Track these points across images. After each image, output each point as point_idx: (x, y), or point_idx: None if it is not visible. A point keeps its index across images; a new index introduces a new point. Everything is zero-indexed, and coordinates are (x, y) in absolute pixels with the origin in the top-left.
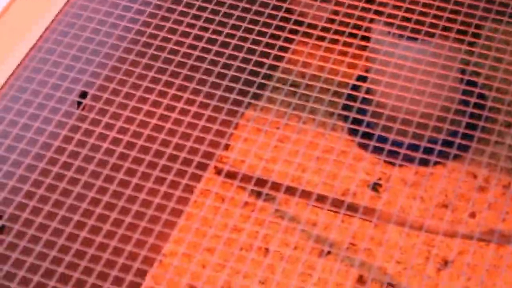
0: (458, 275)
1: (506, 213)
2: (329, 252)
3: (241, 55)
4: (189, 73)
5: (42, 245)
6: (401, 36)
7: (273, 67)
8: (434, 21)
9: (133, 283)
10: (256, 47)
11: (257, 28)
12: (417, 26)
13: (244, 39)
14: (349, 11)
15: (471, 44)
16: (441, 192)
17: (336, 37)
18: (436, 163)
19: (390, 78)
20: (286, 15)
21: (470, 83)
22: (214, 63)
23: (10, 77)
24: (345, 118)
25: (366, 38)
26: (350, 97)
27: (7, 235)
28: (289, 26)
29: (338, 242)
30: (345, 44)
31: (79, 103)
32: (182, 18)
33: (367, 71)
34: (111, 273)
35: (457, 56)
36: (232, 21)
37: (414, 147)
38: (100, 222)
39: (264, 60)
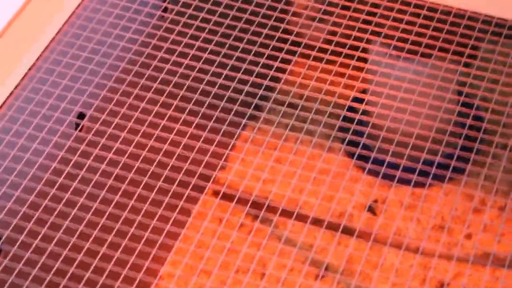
0: None
1: (502, 235)
2: (325, 275)
3: (239, 75)
4: (187, 93)
5: (39, 268)
6: (398, 57)
7: (270, 88)
8: (430, 42)
9: None
10: (253, 68)
11: (254, 48)
12: (413, 47)
13: (242, 60)
14: (346, 31)
15: (467, 65)
16: (437, 214)
17: (333, 58)
18: (432, 184)
19: (386, 99)
20: (284, 36)
21: (466, 104)
22: (212, 84)
23: (9, 97)
24: (341, 140)
25: (363, 59)
26: (347, 119)
27: (4, 258)
28: (287, 47)
29: (334, 265)
30: (342, 65)
31: (77, 124)
32: (180, 39)
33: (364, 92)
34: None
35: (453, 77)
36: (230, 42)
37: (410, 169)
38: (97, 245)
39: (262, 81)
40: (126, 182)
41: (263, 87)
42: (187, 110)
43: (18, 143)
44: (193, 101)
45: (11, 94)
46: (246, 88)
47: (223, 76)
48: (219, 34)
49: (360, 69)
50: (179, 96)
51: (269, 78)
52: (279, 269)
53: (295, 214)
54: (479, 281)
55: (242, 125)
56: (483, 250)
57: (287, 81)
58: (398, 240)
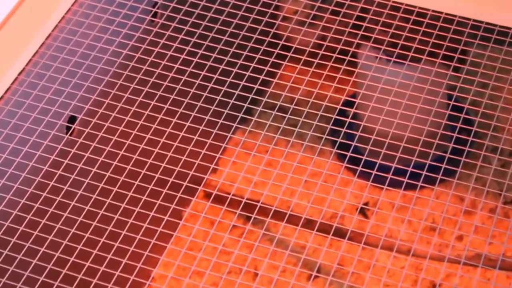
0: None
1: (493, 237)
2: (317, 276)
3: (229, 80)
4: (177, 97)
5: (30, 270)
6: (387, 61)
7: (260, 92)
8: (420, 46)
9: None
10: (244, 72)
11: (244, 53)
12: (403, 52)
13: (232, 64)
14: (336, 36)
15: (456, 69)
16: (429, 216)
17: (323, 62)
18: (423, 187)
19: (376, 103)
20: (274, 41)
21: (456, 108)
22: (202, 88)
23: None
24: (332, 143)
25: (353, 63)
26: (337, 122)
27: None
28: (277, 51)
29: (326, 266)
30: (333, 69)
31: (68, 128)
32: (170, 43)
33: (354, 95)
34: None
35: (443, 81)
36: (220, 46)
37: (400, 172)
38: (89, 247)
39: (252, 85)
40: (117, 185)
41: (253, 91)
42: (177, 114)
43: (9, 147)
44: (183, 105)
45: (1, 98)
46: (237, 92)
47: (213, 80)
48: (209, 39)
49: (350, 73)
50: (170, 100)
51: (259, 82)
52: (271, 270)
53: (286, 216)
54: (470, 282)
55: (233, 129)
56: (475, 252)
57: (277, 85)
58: (389, 242)
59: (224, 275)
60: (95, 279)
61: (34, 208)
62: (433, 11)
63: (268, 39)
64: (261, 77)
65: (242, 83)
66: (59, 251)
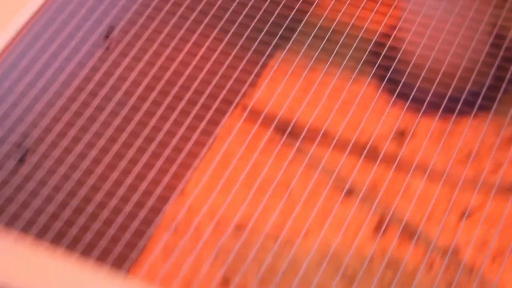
0: (477, 226)
1: None
2: (348, 195)
3: (265, 5)
4: (212, 21)
5: (61, 177)
6: None
7: (301, 15)
8: None
9: (154, 210)
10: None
11: None
12: None
13: None
14: None
15: (499, 5)
16: (465, 147)
17: None
18: (460, 114)
19: (419, 27)
20: None
21: (498, 36)
22: (242, 4)
23: (42, 7)
24: (371, 67)
25: None
26: (378, 44)
27: (27, 166)
28: None
29: (357, 187)
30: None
31: (105, 39)
32: None
33: (396, 19)
34: (132, 197)
35: (487, 9)
36: None
37: (439, 96)
38: (117, 159)
39: (291, 9)
40: (156, 91)
41: (293, 13)
42: (217, 29)
43: (48, 52)
44: (223, 20)
45: (39, 10)
46: (272, 18)
47: (249, 5)
48: None
49: (388, 5)
50: (204, 23)
51: (299, 5)
52: (302, 189)
53: (320, 136)
54: (502, 212)
55: (272, 45)
56: (508, 183)
57: (317, 9)
58: (423, 167)
59: (252, 191)
60: (123, 189)
61: (65, 119)
62: None
63: None
64: (298, 3)
65: (282, 3)
66: (88, 160)
